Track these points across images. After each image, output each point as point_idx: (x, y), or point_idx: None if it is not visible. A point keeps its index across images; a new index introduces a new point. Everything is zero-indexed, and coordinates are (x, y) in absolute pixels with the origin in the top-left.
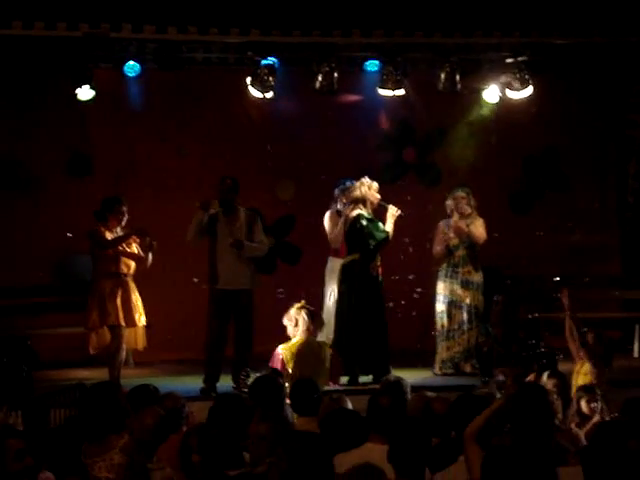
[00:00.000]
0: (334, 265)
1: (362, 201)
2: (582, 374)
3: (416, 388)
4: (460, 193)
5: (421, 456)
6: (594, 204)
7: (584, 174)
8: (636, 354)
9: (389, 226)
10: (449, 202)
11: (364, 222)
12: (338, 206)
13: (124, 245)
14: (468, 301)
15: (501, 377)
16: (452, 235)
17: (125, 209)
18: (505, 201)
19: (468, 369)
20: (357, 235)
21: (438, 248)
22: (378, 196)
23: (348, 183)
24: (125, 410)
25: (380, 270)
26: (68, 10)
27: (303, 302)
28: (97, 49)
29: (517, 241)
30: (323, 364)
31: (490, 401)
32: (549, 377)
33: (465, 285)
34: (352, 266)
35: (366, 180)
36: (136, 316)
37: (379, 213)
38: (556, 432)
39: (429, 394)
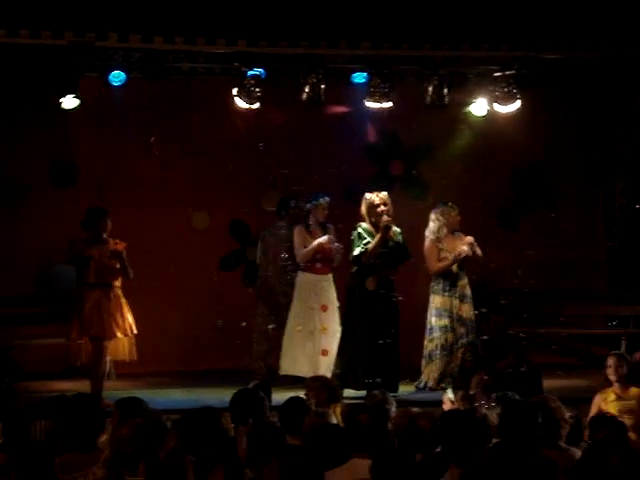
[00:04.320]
0: (302, 279)
1: (364, 217)
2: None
3: (402, 403)
4: (453, 211)
5: (404, 472)
6: (581, 219)
7: (571, 189)
8: None
9: (375, 240)
10: (439, 217)
11: (352, 236)
12: (310, 221)
13: (103, 256)
14: (466, 315)
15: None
16: (465, 250)
17: (108, 221)
18: (491, 215)
19: None
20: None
21: (440, 265)
22: (382, 208)
23: (321, 199)
24: (103, 423)
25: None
26: (53, 18)
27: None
28: (82, 58)
29: (503, 256)
30: None
31: (475, 417)
32: (454, 390)
33: (462, 299)
34: (350, 280)
35: (366, 196)
36: (120, 328)
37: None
38: (545, 448)
39: (414, 410)
